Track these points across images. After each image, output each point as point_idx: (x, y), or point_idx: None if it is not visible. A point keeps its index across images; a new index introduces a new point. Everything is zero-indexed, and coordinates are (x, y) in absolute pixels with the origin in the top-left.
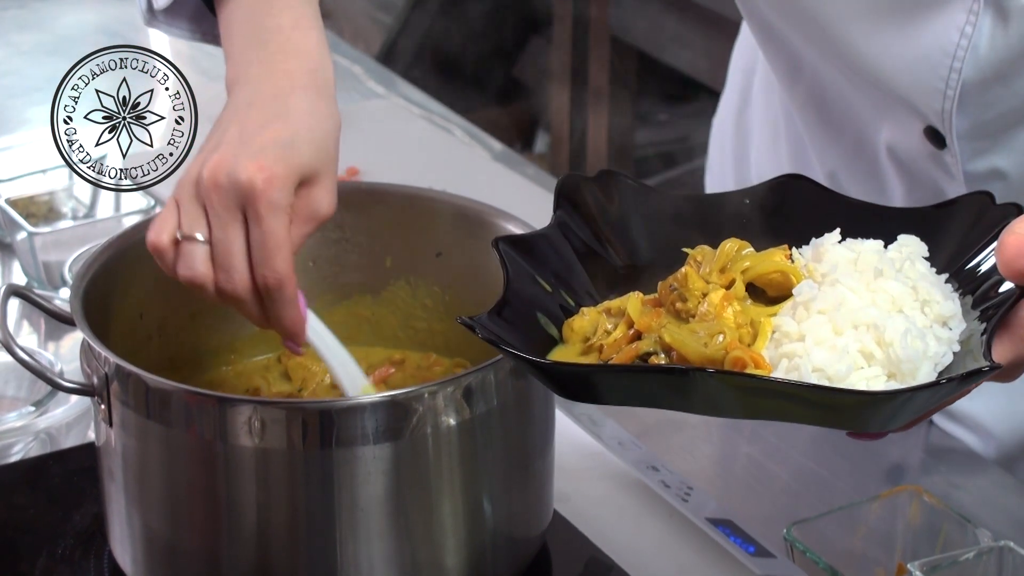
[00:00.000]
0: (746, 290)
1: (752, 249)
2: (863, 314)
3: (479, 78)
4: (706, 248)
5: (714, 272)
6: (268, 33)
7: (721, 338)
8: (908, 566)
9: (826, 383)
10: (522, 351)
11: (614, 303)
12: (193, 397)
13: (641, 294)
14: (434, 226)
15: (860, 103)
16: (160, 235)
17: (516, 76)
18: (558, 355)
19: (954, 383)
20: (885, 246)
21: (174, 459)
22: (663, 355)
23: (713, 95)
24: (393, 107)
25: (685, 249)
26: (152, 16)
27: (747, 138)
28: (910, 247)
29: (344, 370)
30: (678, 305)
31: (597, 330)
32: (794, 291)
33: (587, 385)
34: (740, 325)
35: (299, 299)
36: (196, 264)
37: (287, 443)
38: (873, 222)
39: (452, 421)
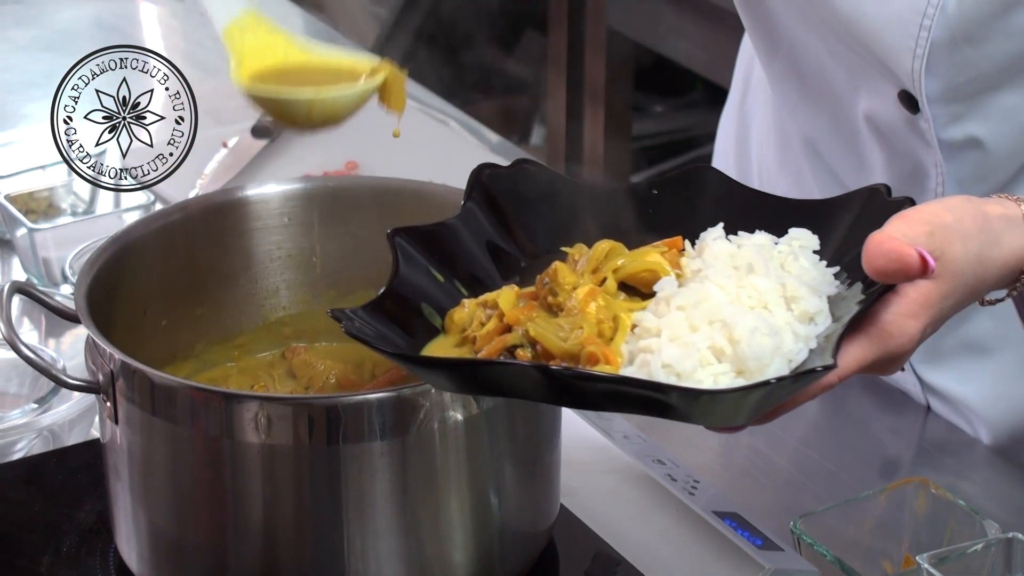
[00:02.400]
0: (625, 288)
1: (625, 249)
2: (719, 311)
3: (475, 71)
4: (583, 247)
5: (587, 272)
6: None
7: (580, 332)
8: (916, 558)
9: (674, 379)
10: (391, 342)
11: (491, 296)
12: (199, 393)
13: (517, 287)
14: (436, 219)
15: (837, 72)
16: None
17: (512, 68)
18: (436, 346)
19: (784, 383)
20: (779, 238)
21: (180, 456)
22: (529, 348)
23: (710, 88)
24: None
25: (565, 248)
26: None
27: (748, 126)
28: (800, 240)
29: None
30: (549, 299)
31: (473, 322)
32: (655, 287)
33: (441, 377)
34: (602, 320)
35: None
36: None
37: (294, 439)
38: (775, 214)
39: (459, 416)
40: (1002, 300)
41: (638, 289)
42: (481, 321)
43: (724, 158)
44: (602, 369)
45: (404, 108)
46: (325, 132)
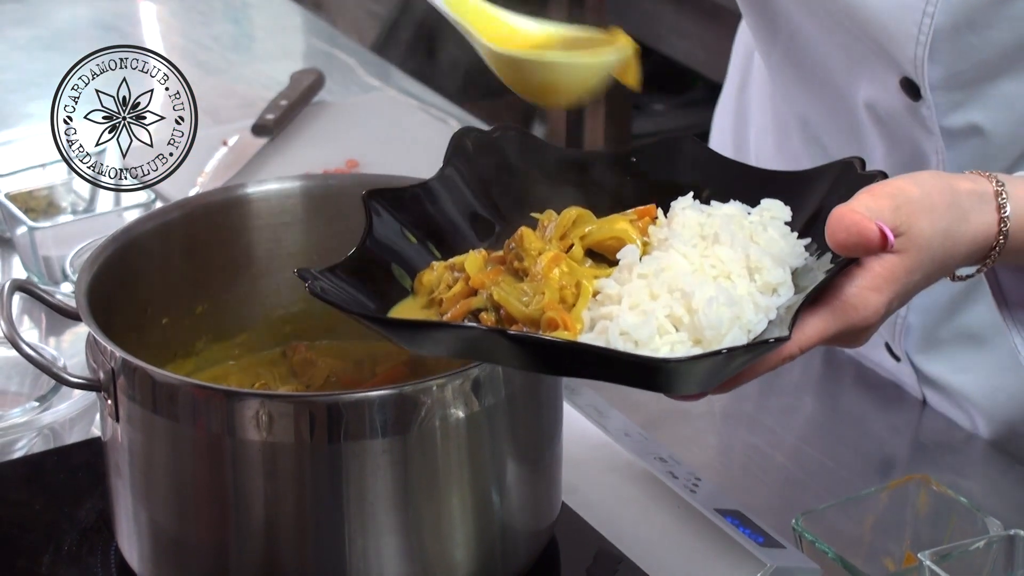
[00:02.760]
0: (593, 256)
1: (593, 216)
2: (680, 280)
3: (475, 68)
4: (552, 213)
5: (554, 239)
6: None
7: (541, 297)
8: (918, 556)
9: (631, 347)
10: (357, 303)
11: (459, 259)
12: (200, 391)
13: (485, 251)
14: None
15: (837, 60)
16: None
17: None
18: (404, 308)
19: (737, 352)
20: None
21: (181, 454)
22: (493, 312)
23: (710, 85)
24: (390, 99)
25: (534, 215)
26: None
27: (746, 118)
28: (772, 211)
29: None
30: (516, 264)
31: (440, 284)
32: (618, 254)
33: (405, 337)
34: (564, 286)
35: None
36: None
37: (295, 437)
38: (750, 184)
39: (460, 414)
40: (972, 276)
41: (606, 257)
42: (448, 284)
43: (721, 148)
44: (560, 335)
45: (639, 84)
46: (575, 105)
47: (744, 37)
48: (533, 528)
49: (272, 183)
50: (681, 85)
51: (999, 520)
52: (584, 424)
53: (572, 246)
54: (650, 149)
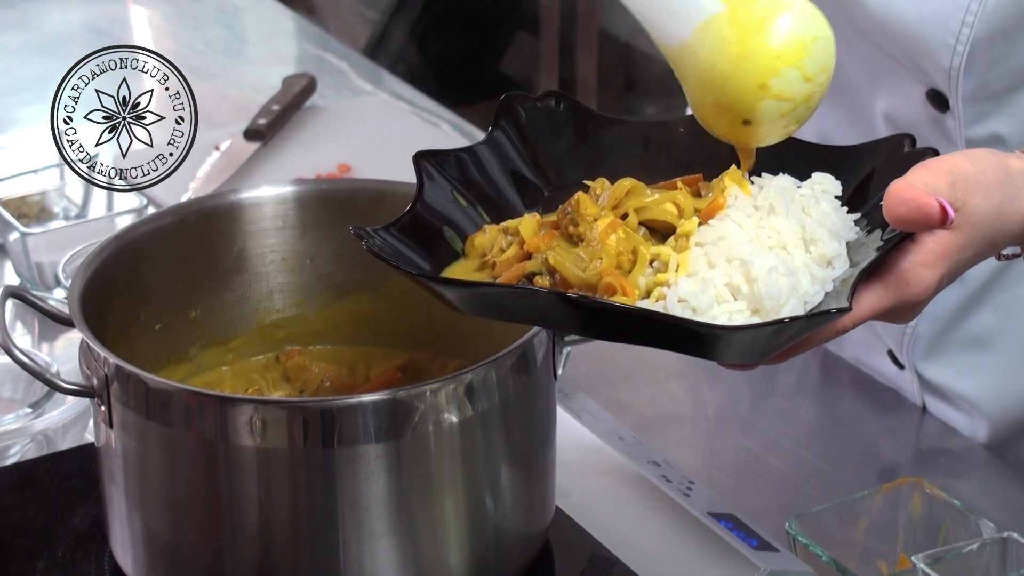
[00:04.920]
0: (644, 226)
1: (646, 189)
2: (738, 249)
3: (467, 72)
4: (605, 181)
5: (607, 208)
6: None
7: (599, 263)
8: (912, 559)
9: (689, 314)
10: (411, 263)
11: (513, 222)
12: (194, 397)
13: (539, 216)
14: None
15: (856, 72)
16: None
17: (504, 70)
18: (456, 270)
19: (799, 322)
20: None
21: (175, 460)
22: (547, 276)
23: None
24: (382, 103)
25: (587, 182)
26: None
27: None
28: (823, 185)
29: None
30: (571, 229)
31: (493, 247)
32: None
33: (460, 299)
34: (621, 252)
35: None
36: None
37: (288, 442)
38: (799, 157)
39: (454, 419)
40: (1019, 256)
41: (656, 228)
42: (502, 247)
43: None
44: (618, 300)
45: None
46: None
47: None
48: (527, 532)
49: (265, 188)
50: (672, 88)
51: (992, 523)
52: (578, 428)
53: (626, 215)
54: (696, 121)
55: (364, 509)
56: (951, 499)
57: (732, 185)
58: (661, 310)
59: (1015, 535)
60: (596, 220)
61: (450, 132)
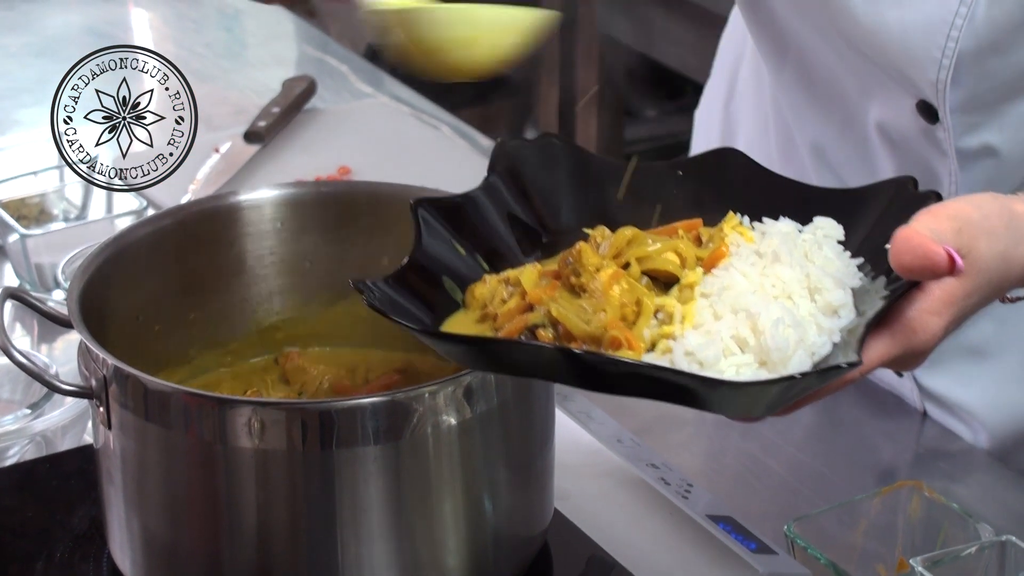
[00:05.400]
0: (645, 274)
1: (647, 238)
2: (743, 300)
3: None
4: (605, 230)
5: (608, 257)
6: None
7: (603, 315)
8: (910, 562)
9: (696, 367)
10: (413, 317)
11: (514, 272)
12: (192, 399)
13: (539, 265)
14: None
15: (848, 81)
16: None
17: (504, 72)
18: (456, 321)
19: (809, 378)
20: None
21: (173, 461)
22: (550, 328)
23: (702, 91)
24: (382, 106)
25: (587, 230)
26: None
27: (734, 130)
28: (824, 229)
29: None
30: (573, 279)
31: (494, 298)
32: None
33: (463, 355)
34: (625, 304)
35: None
36: None
37: (287, 444)
38: (801, 202)
39: (453, 421)
40: (1023, 299)
41: (658, 278)
42: (503, 298)
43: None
44: (624, 354)
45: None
46: (481, 78)
47: (729, 47)
48: (525, 534)
49: (264, 190)
50: (673, 91)
51: (991, 526)
52: (576, 430)
53: (628, 264)
54: (696, 162)
55: (362, 511)
56: (950, 502)
57: (732, 232)
58: (667, 364)
59: (1013, 539)
60: (598, 270)
61: (450, 135)
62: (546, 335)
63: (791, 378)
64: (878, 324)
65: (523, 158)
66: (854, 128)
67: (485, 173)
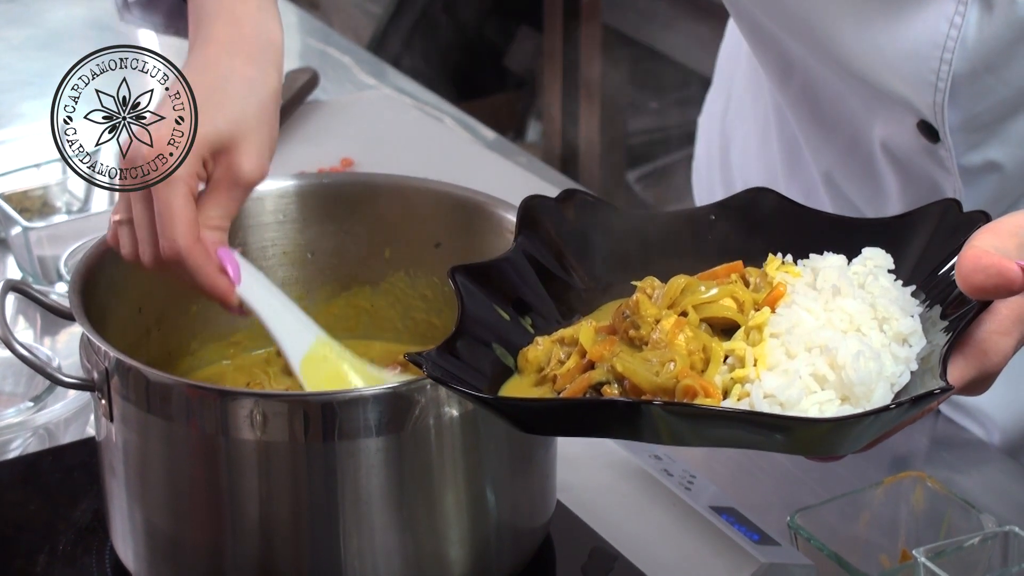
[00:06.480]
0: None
1: (700, 284)
2: (816, 336)
3: (470, 67)
4: (655, 280)
5: (663, 306)
6: (219, 11)
7: (672, 366)
8: (913, 552)
9: (778, 409)
10: (472, 385)
11: (567, 332)
12: (194, 391)
13: (594, 322)
14: (433, 217)
15: (852, 100)
16: (110, 225)
17: (507, 64)
18: (512, 387)
19: (903, 407)
20: (849, 260)
21: (176, 453)
22: (616, 384)
23: (705, 83)
24: (385, 98)
25: (634, 283)
26: (127, 10)
27: (728, 142)
28: (875, 260)
29: (285, 332)
30: (631, 332)
31: (551, 360)
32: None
33: (536, 420)
34: (692, 352)
35: (228, 260)
36: (125, 243)
37: (289, 436)
38: (840, 235)
39: (455, 412)
40: None
41: (714, 324)
42: (560, 359)
43: (707, 170)
44: (703, 402)
45: None
46: None
47: (726, 59)
48: (528, 526)
49: (266, 182)
50: (676, 82)
51: (994, 517)
52: None
53: (685, 313)
54: (728, 205)
55: (365, 503)
56: (953, 493)
57: (778, 272)
58: (747, 408)
59: (1016, 529)
60: (658, 321)
61: (453, 127)
62: (612, 391)
63: (887, 408)
64: (948, 349)
65: (549, 216)
66: (859, 146)
67: (488, 165)
